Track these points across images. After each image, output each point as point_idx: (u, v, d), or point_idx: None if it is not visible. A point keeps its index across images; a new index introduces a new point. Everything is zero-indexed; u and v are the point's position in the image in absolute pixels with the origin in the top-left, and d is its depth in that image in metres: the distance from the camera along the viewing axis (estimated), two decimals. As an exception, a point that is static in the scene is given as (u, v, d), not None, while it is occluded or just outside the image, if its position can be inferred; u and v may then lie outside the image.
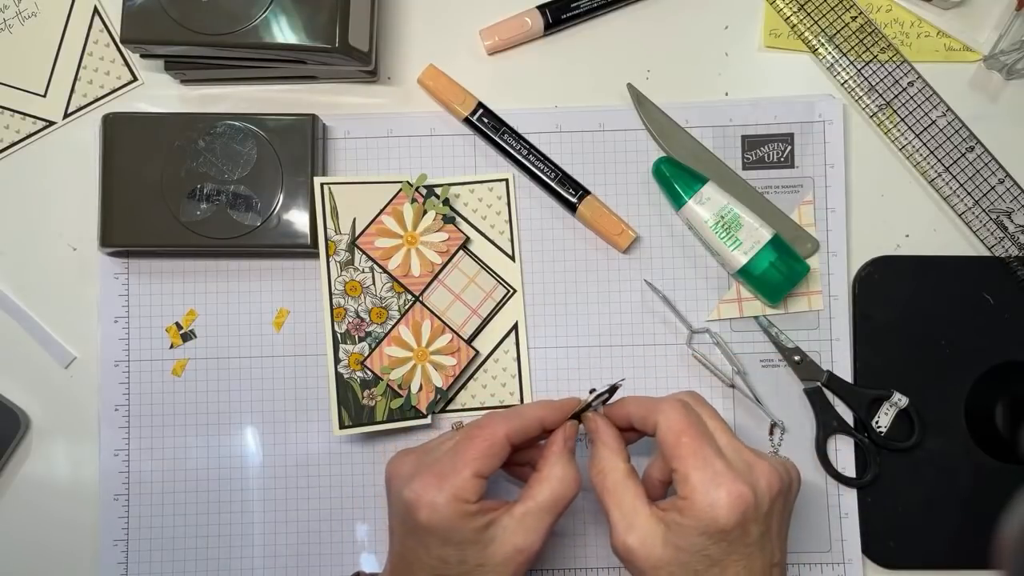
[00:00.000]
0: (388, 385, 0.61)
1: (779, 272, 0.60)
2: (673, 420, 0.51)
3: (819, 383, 0.62)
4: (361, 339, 0.61)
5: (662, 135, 0.63)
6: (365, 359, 0.61)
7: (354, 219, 0.61)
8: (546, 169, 0.62)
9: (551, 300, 0.63)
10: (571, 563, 0.62)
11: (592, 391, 0.56)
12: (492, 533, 0.51)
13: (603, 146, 0.64)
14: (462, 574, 0.50)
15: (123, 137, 0.61)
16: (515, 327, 0.63)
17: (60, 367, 0.63)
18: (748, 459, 0.50)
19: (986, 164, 0.63)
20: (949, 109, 0.63)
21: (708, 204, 0.60)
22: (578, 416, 0.55)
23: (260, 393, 0.63)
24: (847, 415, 0.62)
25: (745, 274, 0.60)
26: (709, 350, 0.62)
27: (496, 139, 0.63)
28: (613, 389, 0.56)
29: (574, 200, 0.62)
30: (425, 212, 0.62)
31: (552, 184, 0.62)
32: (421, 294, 0.62)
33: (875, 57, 0.63)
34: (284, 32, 0.58)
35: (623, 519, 0.50)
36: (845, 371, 0.62)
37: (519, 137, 0.63)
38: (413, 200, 0.62)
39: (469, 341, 0.62)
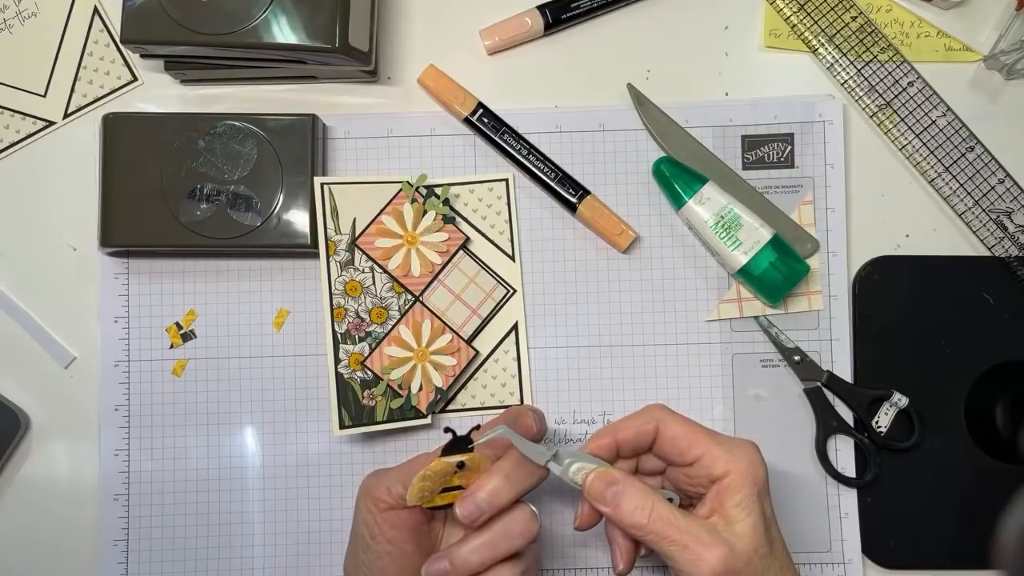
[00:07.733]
0: (388, 385, 0.61)
1: (779, 272, 0.60)
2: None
3: (819, 383, 0.62)
4: (361, 339, 0.61)
5: (662, 135, 0.63)
6: (365, 359, 0.61)
7: (354, 219, 0.61)
8: (546, 169, 0.62)
9: (551, 300, 0.63)
10: (572, 563, 0.62)
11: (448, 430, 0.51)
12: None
13: (603, 146, 0.64)
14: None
15: (123, 137, 0.61)
16: (515, 327, 0.63)
17: (60, 367, 0.63)
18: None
19: (986, 164, 0.63)
20: (949, 109, 0.63)
21: (708, 204, 0.60)
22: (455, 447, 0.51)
23: (260, 393, 0.63)
24: (847, 415, 0.62)
25: (745, 274, 0.60)
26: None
27: (496, 139, 0.63)
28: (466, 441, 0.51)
29: (574, 200, 0.62)
30: (425, 212, 0.62)
31: (552, 184, 0.62)
32: (421, 294, 0.62)
33: (875, 57, 0.63)
34: (284, 32, 0.58)
35: (698, 542, 0.48)
36: (845, 371, 0.62)
37: (519, 137, 0.63)
38: (413, 200, 0.62)
39: (469, 341, 0.62)
